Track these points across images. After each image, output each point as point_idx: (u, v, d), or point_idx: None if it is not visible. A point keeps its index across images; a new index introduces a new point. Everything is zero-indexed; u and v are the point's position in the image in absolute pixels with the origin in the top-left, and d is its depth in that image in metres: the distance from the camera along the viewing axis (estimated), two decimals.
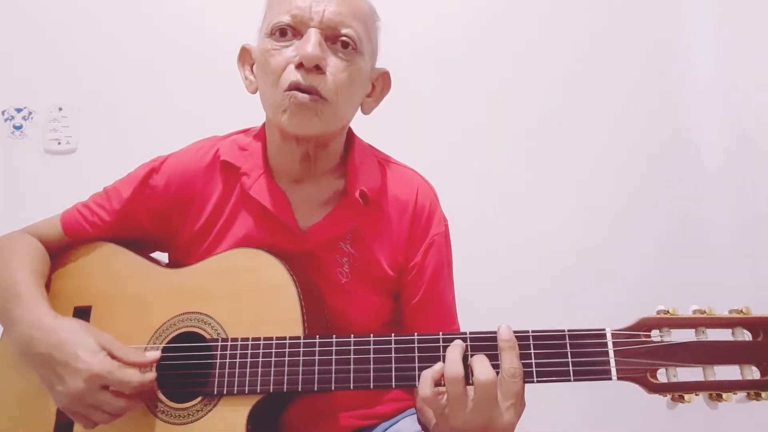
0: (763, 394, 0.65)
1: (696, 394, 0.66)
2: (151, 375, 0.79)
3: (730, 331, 0.68)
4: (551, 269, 1.66)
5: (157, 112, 1.68)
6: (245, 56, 0.93)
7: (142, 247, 0.96)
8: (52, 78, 1.70)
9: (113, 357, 0.78)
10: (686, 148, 1.78)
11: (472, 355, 0.69)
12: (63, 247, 0.95)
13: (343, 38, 0.84)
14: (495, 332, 0.70)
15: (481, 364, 0.67)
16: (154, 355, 0.81)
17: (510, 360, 0.67)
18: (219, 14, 1.72)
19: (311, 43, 0.80)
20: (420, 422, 0.89)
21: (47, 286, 0.91)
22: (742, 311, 0.68)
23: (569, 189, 1.74)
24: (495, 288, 1.58)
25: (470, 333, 0.71)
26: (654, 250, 1.70)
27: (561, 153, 1.76)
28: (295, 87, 0.81)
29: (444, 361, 0.70)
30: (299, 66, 0.81)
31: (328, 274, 0.90)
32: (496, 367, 0.68)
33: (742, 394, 0.67)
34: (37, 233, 0.95)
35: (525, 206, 1.72)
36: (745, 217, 1.67)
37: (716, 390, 0.66)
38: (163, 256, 0.99)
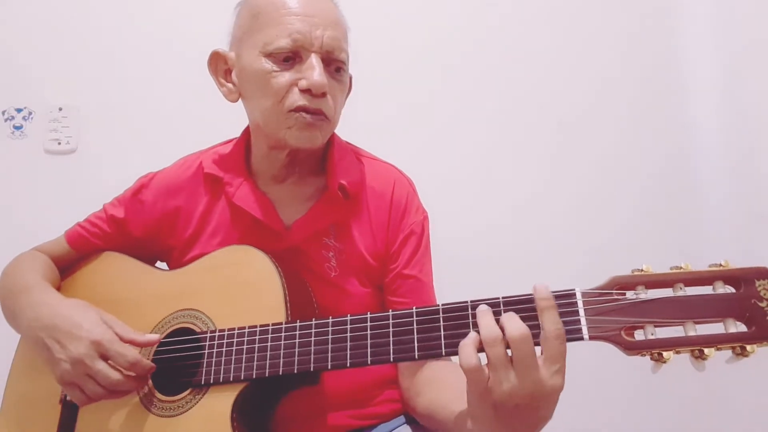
0: (749, 348, 0.61)
1: (676, 352, 0.63)
2: (149, 362, 0.81)
3: (710, 288, 0.65)
4: (551, 268, 1.62)
5: (157, 113, 1.73)
6: (218, 62, 0.94)
7: (145, 261, 0.99)
8: (52, 78, 1.74)
9: (114, 332, 0.82)
10: (686, 148, 1.74)
11: (498, 318, 0.64)
12: (69, 261, 1.01)
13: (338, 63, 0.89)
14: (519, 296, 0.67)
15: (511, 321, 0.62)
16: (153, 336, 0.84)
17: (553, 319, 0.62)
18: (219, 15, 1.73)
19: (317, 72, 0.85)
20: None
21: None
22: (721, 265, 0.65)
23: (568, 189, 1.72)
24: (493, 285, 1.54)
25: (503, 297, 0.67)
26: (654, 250, 1.63)
27: (559, 152, 1.75)
28: (302, 109, 0.86)
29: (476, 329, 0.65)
30: (305, 91, 0.85)
31: (317, 270, 0.92)
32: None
33: (727, 352, 0.63)
34: (44, 251, 1.01)
35: (524, 203, 1.71)
36: (744, 217, 1.61)
37: (698, 345, 0.62)
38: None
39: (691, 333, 0.63)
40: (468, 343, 0.64)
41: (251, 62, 0.88)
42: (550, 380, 0.61)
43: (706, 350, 0.62)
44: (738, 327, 0.63)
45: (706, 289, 0.65)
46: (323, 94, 0.86)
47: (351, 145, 1.03)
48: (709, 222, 1.68)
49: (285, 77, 0.86)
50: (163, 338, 0.87)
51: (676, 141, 1.75)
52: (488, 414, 0.64)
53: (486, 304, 0.67)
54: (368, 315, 0.74)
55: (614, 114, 1.77)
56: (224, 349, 0.80)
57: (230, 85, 0.94)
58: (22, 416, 0.91)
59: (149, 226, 0.98)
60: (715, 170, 1.71)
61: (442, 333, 0.69)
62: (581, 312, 0.65)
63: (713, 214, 1.68)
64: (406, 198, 0.98)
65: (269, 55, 0.87)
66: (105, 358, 0.79)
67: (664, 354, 0.63)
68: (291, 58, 0.86)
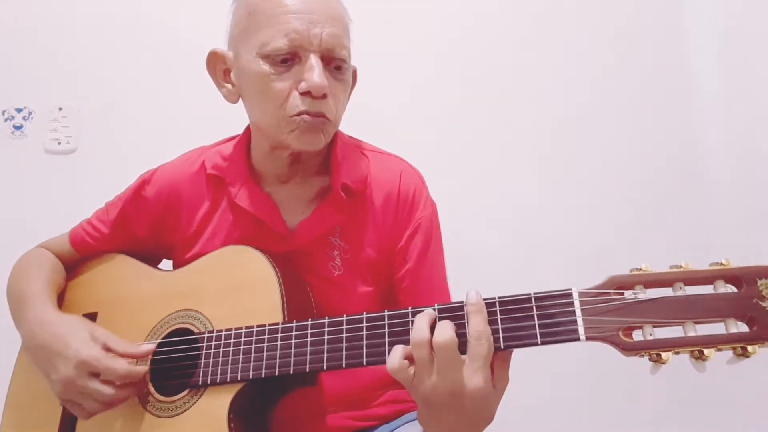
0: (750, 348, 0.60)
1: (675, 353, 0.61)
2: (142, 367, 0.82)
3: (711, 287, 0.64)
4: (552, 270, 1.62)
5: (156, 113, 1.73)
6: (217, 62, 0.92)
7: (150, 259, 1.00)
8: (52, 78, 1.75)
9: (107, 348, 0.82)
10: (688, 149, 1.73)
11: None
12: (74, 260, 1.01)
13: (339, 61, 0.86)
14: (454, 303, 0.69)
15: (440, 328, 0.66)
16: (148, 347, 0.84)
17: (476, 323, 0.65)
18: (219, 15, 1.73)
19: (317, 73, 0.82)
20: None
21: (62, 296, 0.98)
22: (722, 263, 0.64)
23: (571, 189, 1.71)
24: (496, 285, 1.54)
25: (438, 305, 0.70)
26: (656, 251, 1.61)
27: (563, 154, 1.73)
28: (303, 113, 0.84)
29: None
30: (305, 94, 0.83)
31: (320, 270, 0.91)
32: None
33: (728, 352, 0.61)
34: (51, 249, 1.02)
35: (529, 206, 1.70)
36: (746, 217, 1.60)
37: (698, 346, 0.60)
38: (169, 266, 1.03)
39: (691, 333, 0.61)
40: (398, 347, 0.68)
41: (249, 64, 0.86)
42: (471, 379, 0.64)
43: (706, 351, 0.61)
44: (739, 327, 0.61)
45: (706, 289, 0.64)
46: (324, 96, 0.84)
47: (354, 139, 1.02)
48: (710, 220, 1.66)
49: (284, 81, 0.84)
50: (162, 339, 0.87)
51: (679, 140, 1.74)
52: (423, 411, 0.69)
53: (431, 309, 0.69)
54: (364, 315, 0.74)
55: (617, 112, 1.76)
56: (221, 350, 0.80)
57: (230, 86, 0.92)
58: (25, 416, 0.91)
59: (152, 223, 0.98)
60: (717, 168, 1.70)
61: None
62: (578, 312, 0.64)
63: (715, 212, 1.67)
64: (414, 191, 0.96)
65: (266, 57, 0.84)
66: (96, 375, 0.79)
67: (663, 355, 0.61)
68: (289, 59, 0.84)
